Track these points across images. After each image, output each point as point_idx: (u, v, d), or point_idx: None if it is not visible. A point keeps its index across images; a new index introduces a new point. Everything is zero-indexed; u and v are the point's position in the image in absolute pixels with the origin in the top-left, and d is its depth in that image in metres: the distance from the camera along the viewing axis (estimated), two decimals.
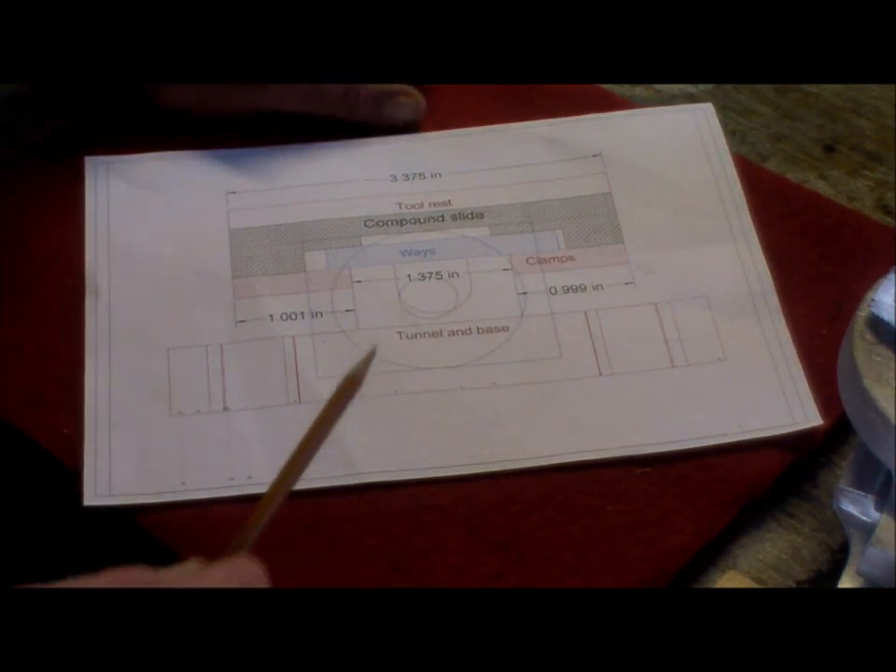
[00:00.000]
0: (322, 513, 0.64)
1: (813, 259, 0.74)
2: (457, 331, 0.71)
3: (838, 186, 0.79)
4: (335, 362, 0.69)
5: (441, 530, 0.64)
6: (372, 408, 0.67)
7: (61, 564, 0.52)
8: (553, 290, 0.72)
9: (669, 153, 0.78)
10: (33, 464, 0.66)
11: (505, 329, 0.71)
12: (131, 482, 0.65)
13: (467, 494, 0.65)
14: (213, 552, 0.53)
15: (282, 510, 0.54)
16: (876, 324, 0.58)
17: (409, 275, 0.73)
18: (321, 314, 0.71)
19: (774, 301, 0.71)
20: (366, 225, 0.75)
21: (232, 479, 0.65)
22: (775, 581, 0.63)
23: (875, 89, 0.83)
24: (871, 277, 0.60)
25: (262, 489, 0.55)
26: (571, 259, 0.74)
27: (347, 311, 0.71)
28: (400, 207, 0.76)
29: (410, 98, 0.79)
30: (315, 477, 0.64)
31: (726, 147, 0.78)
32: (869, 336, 0.58)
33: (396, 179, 0.78)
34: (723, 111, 0.81)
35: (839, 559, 0.62)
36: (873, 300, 0.58)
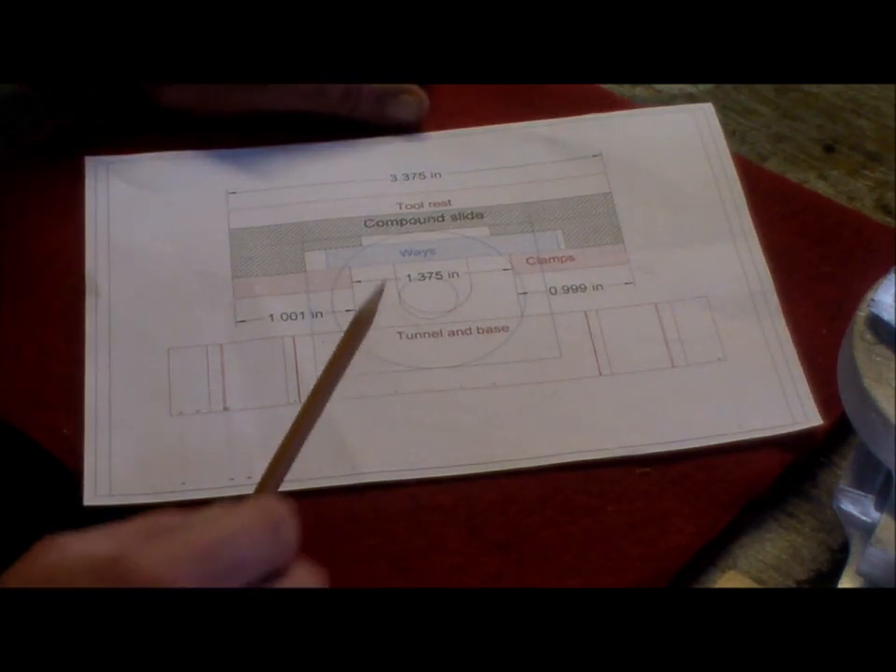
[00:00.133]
0: (322, 513, 0.64)
1: (813, 259, 0.74)
2: (457, 331, 0.71)
3: (838, 186, 0.79)
4: None
5: (441, 530, 0.64)
6: (372, 408, 0.67)
7: None
8: (552, 290, 0.72)
9: (669, 153, 0.78)
10: (33, 464, 0.66)
11: (505, 328, 0.71)
12: (131, 481, 0.65)
13: (467, 494, 0.65)
14: None
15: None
16: (876, 324, 0.58)
17: (409, 275, 0.73)
18: (321, 314, 0.71)
19: (774, 300, 0.71)
20: (366, 225, 0.75)
21: (232, 479, 0.65)
22: (775, 581, 0.63)
23: (874, 89, 0.83)
24: (871, 277, 0.60)
25: None
26: (571, 258, 0.74)
27: (347, 311, 0.71)
28: (400, 207, 0.76)
29: (413, 96, 0.79)
30: (314, 477, 0.64)
31: (726, 147, 0.78)
32: (869, 336, 0.58)
33: (396, 179, 0.78)
34: (723, 111, 0.81)
35: (839, 559, 0.62)
36: (873, 300, 0.58)
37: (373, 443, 0.66)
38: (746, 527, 0.65)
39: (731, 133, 0.80)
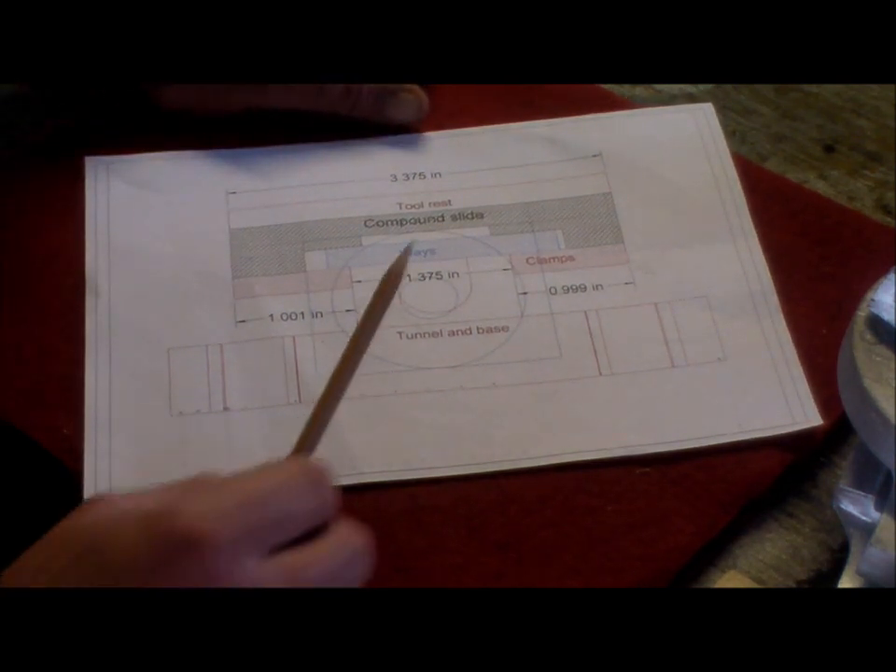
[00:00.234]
0: None
1: (813, 259, 0.74)
2: (457, 331, 0.71)
3: (838, 186, 0.79)
4: (335, 362, 0.69)
5: (441, 530, 0.64)
6: (372, 408, 0.67)
7: None
8: (553, 290, 0.72)
9: (669, 153, 0.78)
10: (33, 464, 0.66)
11: (505, 328, 0.71)
12: (131, 482, 0.65)
13: (466, 494, 0.65)
14: None
15: None
16: (876, 324, 0.58)
17: (409, 275, 0.73)
18: (321, 314, 0.71)
19: (774, 300, 0.71)
20: (366, 225, 0.75)
21: None
22: (775, 581, 0.63)
23: (874, 89, 0.83)
24: (871, 277, 0.60)
25: None
26: (571, 258, 0.74)
27: (347, 311, 0.71)
28: (401, 207, 0.76)
29: (412, 96, 0.79)
30: None
31: (726, 147, 0.78)
32: (869, 336, 0.58)
33: (396, 179, 0.78)
34: (723, 111, 0.81)
35: (839, 559, 0.62)
36: (873, 300, 0.58)
37: (373, 443, 0.66)
38: (746, 527, 0.65)
39: (731, 133, 0.80)
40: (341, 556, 0.52)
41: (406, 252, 0.58)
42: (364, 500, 0.65)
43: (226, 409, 0.68)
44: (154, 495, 0.51)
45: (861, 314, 0.58)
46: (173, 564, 0.49)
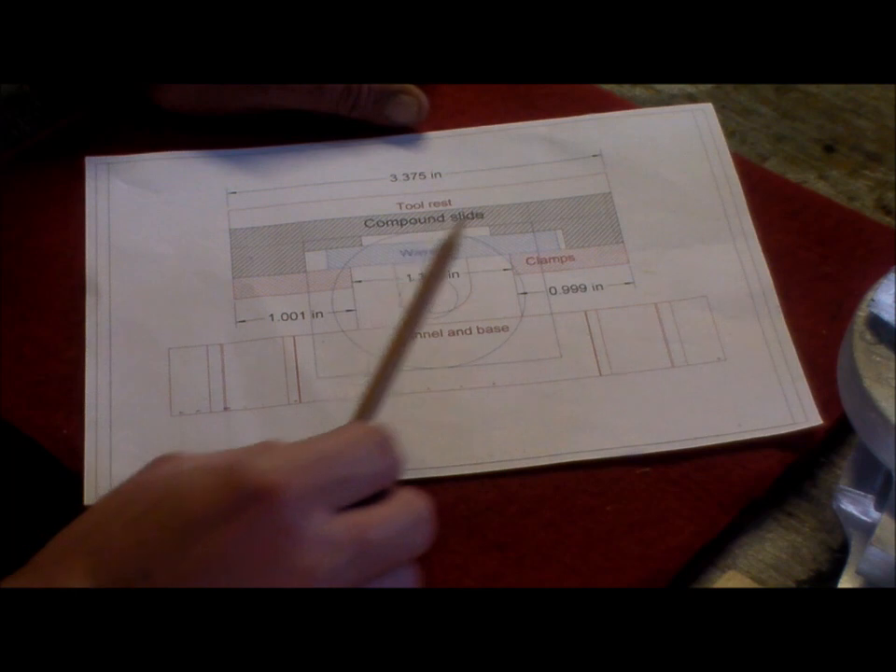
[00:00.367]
0: None
1: (813, 259, 0.74)
2: (457, 331, 0.71)
3: (838, 186, 0.79)
4: (335, 362, 0.69)
5: (441, 530, 0.63)
6: None
7: None
8: (552, 290, 0.72)
9: (669, 153, 0.78)
10: (33, 464, 0.66)
11: (505, 328, 0.71)
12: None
13: (466, 494, 0.65)
14: None
15: None
16: (876, 324, 0.58)
17: (409, 275, 0.73)
18: (321, 314, 0.71)
19: (774, 301, 0.71)
20: (366, 225, 0.75)
21: None
22: (775, 580, 0.63)
23: (874, 89, 0.83)
24: (871, 277, 0.60)
25: None
26: (571, 258, 0.74)
27: (347, 311, 0.71)
28: (401, 207, 0.76)
29: (412, 98, 0.79)
30: None
31: (726, 147, 0.78)
32: (869, 336, 0.58)
33: (396, 179, 0.78)
34: (723, 111, 0.81)
35: (839, 559, 0.62)
36: (873, 300, 0.58)
37: None
38: (746, 527, 0.65)
39: (731, 133, 0.80)
40: (405, 519, 0.54)
41: (460, 224, 0.60)
42: None
43: (226, 409, 0.68)
44: (223, 453, 0.53)
45: (861, 314, 0.58)
46: (244, 514, 0.50)
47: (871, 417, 0.56)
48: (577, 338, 0.70)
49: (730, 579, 0.62)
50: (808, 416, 0.67)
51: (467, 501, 0.65)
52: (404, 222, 0.75)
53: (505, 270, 0.73)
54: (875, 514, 0.60)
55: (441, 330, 0.71)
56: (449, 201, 0.77)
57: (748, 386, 0.68)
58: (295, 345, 0.70)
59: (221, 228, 0.75)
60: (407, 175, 0.78)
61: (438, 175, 0.78)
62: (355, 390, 0.67)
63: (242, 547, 0.50)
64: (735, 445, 0.66)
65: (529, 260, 0.74)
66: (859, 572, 0.59)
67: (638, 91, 0.83)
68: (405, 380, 0.68)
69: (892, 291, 0.58)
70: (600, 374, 0.69)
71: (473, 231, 0.75)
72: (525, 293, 0.72)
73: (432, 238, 0.75)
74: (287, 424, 0.67)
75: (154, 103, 0.79)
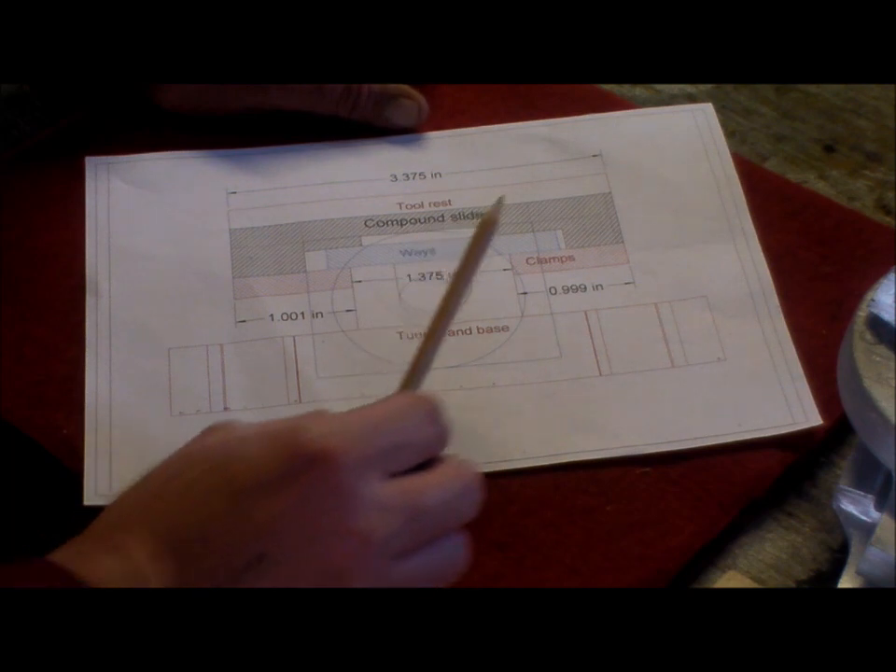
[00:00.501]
0: None
1: (813, 259, 0.74)
2: (457, 331, 0.71)
3: (838, 186, 0.79)
4: (335, 362, 0.69)
5: None
6: None
7: None
8: (552, 290, 0.72)
9: (669, 153, 0.78)
10: (33, 464, 0.66)
11: (505, 328, 0.71)
12: (131, 482, 0.65)
13: None
14: None
15: None
16: (876, 324, 0.58)
17: (409, 275, 0.73)
18: (321, 314, 0.71)
19: (774, 301, 0.71)
20: (366, 225, 0.75)
21: None
22: (775, 581, 0.63)
23: (875, 89, 0.83)
24: (871, 277, 0.60)
25: None
26: (571, 258, 0.74)
27: (348, 311, 0.71)
28: (401, 207, 0.76)
29: (412, 101, 0.79)
30: None
31: (726, 147, 0.78)
32: (869, 336, 0.58)
33: (396, 179, 0.78)
34: (723, 111, 0.81)
35: (839, 559, 0.62)
36: (873, 300, 0.58)
37: None
38: (746, 527, 0.65)
39: (731, 133, 0.80)
40: (456, 485, 0.54)
41: (499, 202, 0.61)
42: None
43: (226, 409, 0.68)
44: (275, 421, 0.53)
45: (861, 314, 0.58)
46: (301, 479, 0.51)
47: (871, 417, 0.56)
48: (577, 338, 0.70)
49: (730, 579, 0.62)
50: (808, 416, 0.67)
51: None
52: (404, 222, 0.75)
53: (505, 270, 0.73)
54: (875, 514, 0.60)
55: None
56: (449, 201, 0.77)
57: (747, 386, 0.68)
58: (295, 345, 0.70)
59: (221, 228, 0.75)
60: (407, 175, 0.78)
61: (438, 175, 0.78)
62: (355, 390, 0.67)
63: (299, 510, 0.51)
64: (735, 445, 0.66)
65: (529, 260, 0.74)
66: (859, 572, 0.59)
67: (638, 90, 0.83)
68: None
69: (892, 291, 0.58)
70: (600, 374, 0.69)
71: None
72: (525, 293, 0.72)
73: (432, 238, 0.75)
74: None
75: (154, 103, 0.79)
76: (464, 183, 0.77)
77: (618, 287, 0.72)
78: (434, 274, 0.73)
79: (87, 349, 0.70)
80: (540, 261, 0.74)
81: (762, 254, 0.73)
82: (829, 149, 0.80)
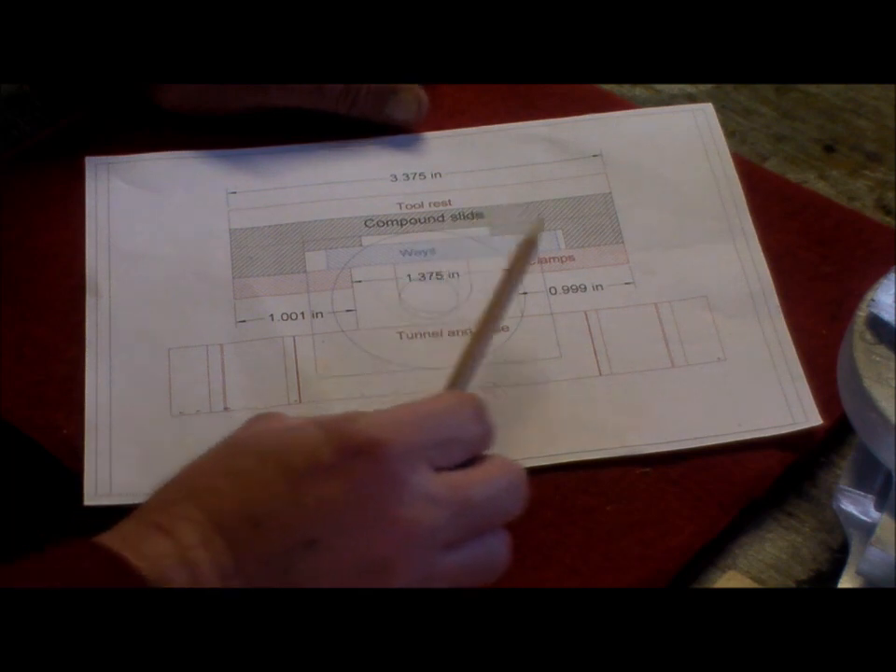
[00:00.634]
0: None
1: (813, 259, 0.74)
2: (457, 331, 0.71)
3: (838, 186, 0.79)
4: (335, 362, 0.69)
5: None
6: (372, 408, 0.67)
7: None
8: (552, 290, 0.72)
9: (669, 153, 0.78)
10: (33, 464, 0.66)
11: (505, 328, 0.71)
12: (131, 481, 0.65)
13: None
14: None
15: None
16: (876, 324, 0.58)
17: (409, 275, 0.73)
18: (321, 314, 0.71)
19: (774, 301, 0.71)
20: (366, 225, 0.75)
21: None
22: (775, 581, 0.63)
23: (875, 89, 0.83)
24: (871, 277, 0.60)
25: None
26: (571, 258, 0.74)
27: (348, 311, 0.71)
28: (401, 207, 0.76)
29: (412, 95, 0.79)
30: None
31: (726, 147, 0.78)
32: (869, 336, 0.58)
33: (396, 179, 0.78)
34: (723, 111, 0.81)
35: (839, 559, 0.62)
36: (873, 300, 0.58)
37: None
38: (746, 527, 0.65)
39: (731, 133, 0.80)
40: (501, 481, 0.55)
41: (539, 222, 0.66)
42: None
43: (226, 409, 0.68)
44: (322, 416, 0.55)
45: (861, 314, 0.58)
46: (350, 466, 0.52)
47: (871, 417, 0.56)
48: (577, 338, 0.70)
49: (730, 579, 0.62)
50: (808, 416, 0.67)
51: None
52: (404, 222, 0.75)
53: (505, 270, 0.73)
54: (875, 514, 0.60)
55: (440, 330, 0.71)
56: (449, 201, 0.77)
57: (747, 386, 0.68)
58: (295, 345, 0.70)
59: (221, 228, 0.75)
60: (407, 175, 0.78)
61: (438, 175, 0.78)
62: (355, 390, 0.67)
63: (349, 497, 0.52)
64: (735, 445, 0.66)
65: None
66: (859, 572, 0.59)
67: (638, 91, 0.83)
68: (405, 380, 0.68)
69: (892, 291, 0.58)
70: (600, 374, 0.69)
71: (473, 231, 0.75)
72: (525, 293, 0.72)
73: (432, 238, 0.75)
74: None
75: (154, 103, 0.79)
76: (464, 183, 0.77)
77: (618, 286, 0.72)
78: (434, 274, 0.73)
79: (87, 349, 0.70)
80: (540, 261, 0.73)
81: (762, 254, 0.73)
82: (829, 149, 0.80)
